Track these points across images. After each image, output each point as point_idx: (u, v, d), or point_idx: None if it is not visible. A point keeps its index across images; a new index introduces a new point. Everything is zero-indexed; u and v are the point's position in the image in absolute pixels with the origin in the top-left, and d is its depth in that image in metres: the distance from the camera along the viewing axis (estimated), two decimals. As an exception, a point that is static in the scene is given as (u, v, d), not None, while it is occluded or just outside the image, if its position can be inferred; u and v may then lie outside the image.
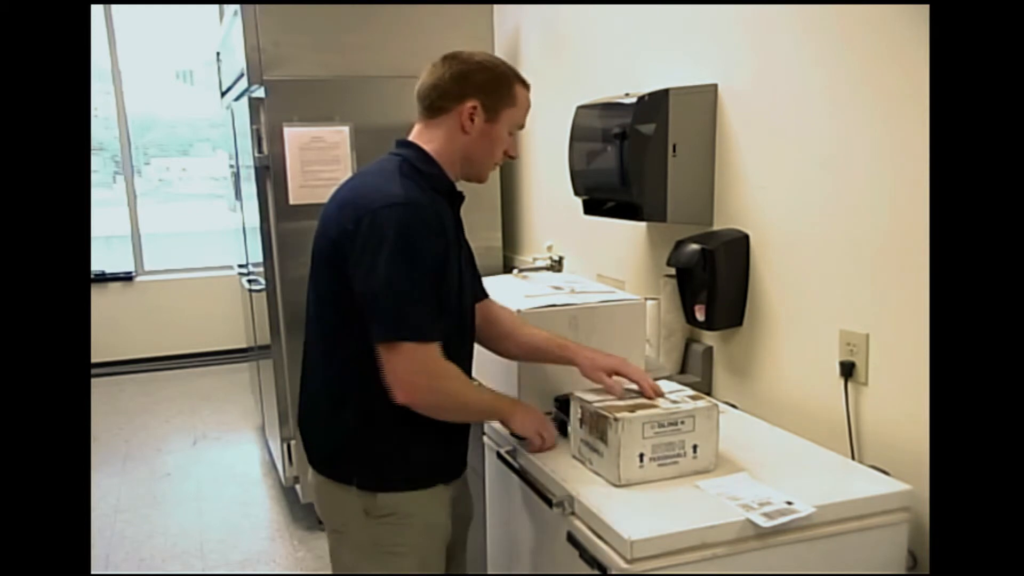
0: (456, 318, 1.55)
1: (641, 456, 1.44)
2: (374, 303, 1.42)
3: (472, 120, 1.51)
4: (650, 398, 1.52)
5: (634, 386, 1.56)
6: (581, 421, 1.54)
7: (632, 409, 1.46)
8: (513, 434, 1.63)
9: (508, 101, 1.53)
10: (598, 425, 1.48)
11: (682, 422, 1.47)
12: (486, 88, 1.51)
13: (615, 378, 1.57)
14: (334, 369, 1.54)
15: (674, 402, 1.51)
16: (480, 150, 1.55)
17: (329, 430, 1.57)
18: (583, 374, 1.61)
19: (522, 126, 1.60)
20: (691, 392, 1.57)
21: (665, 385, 1.61)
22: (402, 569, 1.53)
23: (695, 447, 1.48)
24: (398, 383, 1.42)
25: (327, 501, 1.59)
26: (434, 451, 1.56)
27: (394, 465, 1.52)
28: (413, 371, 1.42)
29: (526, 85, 1.58)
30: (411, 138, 1.57)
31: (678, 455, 1.47)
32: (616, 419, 1.43)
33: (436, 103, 1.53)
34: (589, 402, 1.51)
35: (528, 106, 1.59)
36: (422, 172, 1.52)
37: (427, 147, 1.54)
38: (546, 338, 1.69)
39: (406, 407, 1.45)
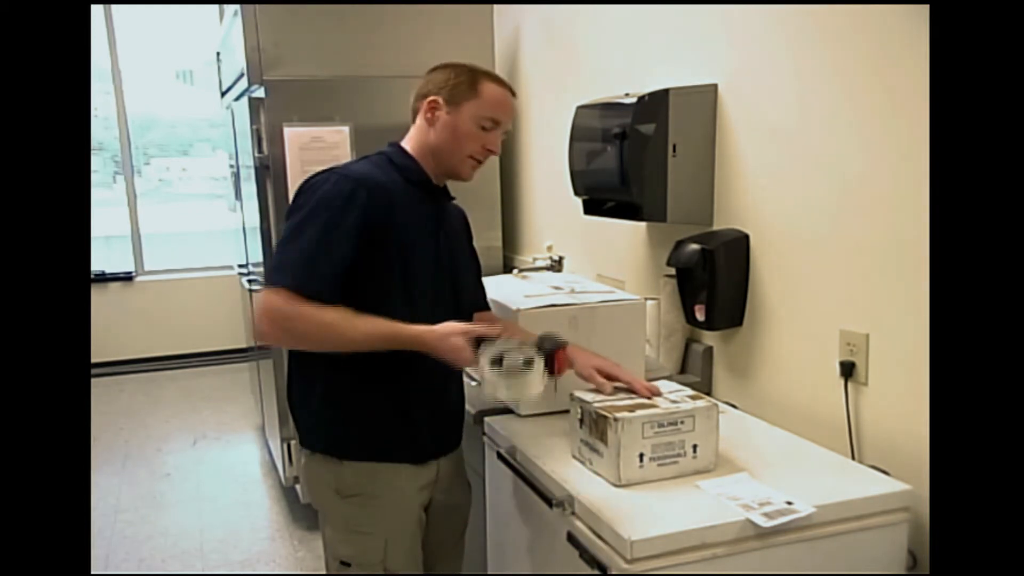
0: (411, 305, 1.55)
1: (641, 456, 1.44)
2: (277, 250, 1.53)
3: (433, 113, 1.61)
4: (646, 397, 1.53)
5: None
6: (581, 421, 1.54)
7: (632, 409, 1.46)
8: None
9: (470, 94, 1.60)
10: (598, 425, 1.48)
11: (682, 422, 1.47)
12: (447, 84, 1.61)
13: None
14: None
15: (674, 402, 1.51)
16: (446, 143, 1.61)
17: (301, 401, 1.66)
18: (577, 371, 1.61)
19: (498, 122, 1.63)
20: (691, 392, 1.57)
21: (665, 385, 1.61)
22: (368, 548, 1.60)
23: (695, 447, 1.48)
24: (257, 314, 1.49)
25: (308, 480, 1.68)
26: (391, 424, 1.60)
27: (353, 434, 1.59)
28: (269, 305, 1.46)
29: (500, 83, 1.64)
30: (403, 141, 1.68)
31: (678, 455, 1.47)
32: (616, 419, 1.43)
33: (413, 105, 1.66)
34: (588, 402, 1.52)
35: (501, 102, 1.62)
36: (395, 164, 1.62)
37: (406, 145, 1.66)
38: None
39: (367, 378, 1.55)
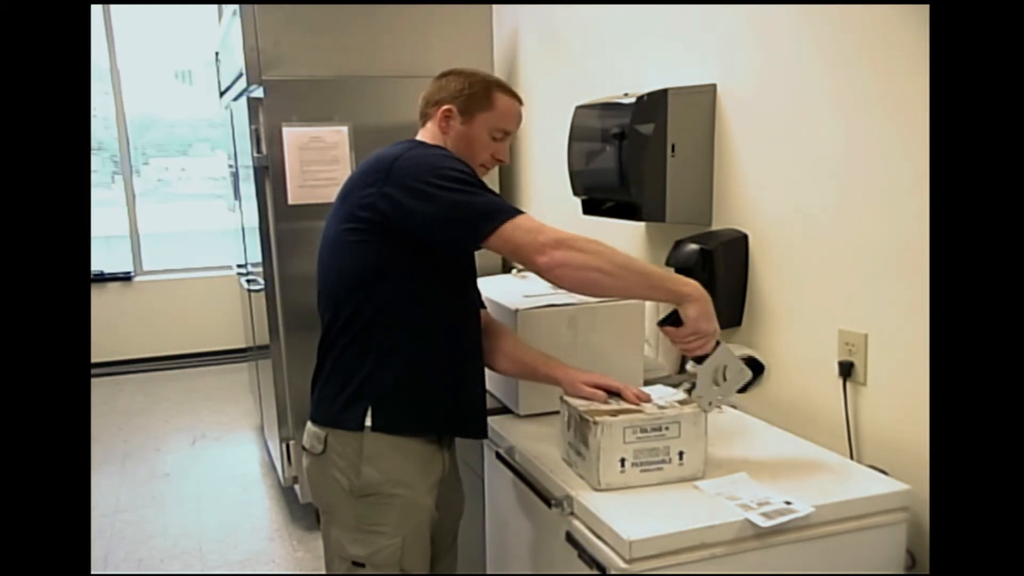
0: (464, 300, 1.65)
1: (623, 461, 1.43)
2: (460, 213, 1.48)
3: (448, 122, 1.64)
4: (634, 403, 1.51)
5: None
6: (568, 423, 1.54)
7: (615, 413, 1.45)
8: (672, 319, 1.49)
9: (483, 105, 1.64)
10: (581, 428, 1.48)
11: (666, 428, 1.44)
12: (461, 94, 1.64)
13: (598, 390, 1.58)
14: (366, 311, 1.59)
15: (661, 407, 1.48)
16: (459, 151, 1.63)
17: (341, 372, 1.63)
18: (565, 390, 1.61)
19: (508, 132, 1.68)
20: (682, 397, 1.55)
21: (658, 391, 1.59)
22: (384, 547, 1.58)
23: (681, 453, 1.46)
24: (534, 250, 1.44)
25: (315, 480, 1.65)
26: (435, 395, 1.62)
27: (396, 402, 1.58)
28: (544, 235, 1.44)
29: (512, 95, 1.68)
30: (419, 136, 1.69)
31: (662, 461, 1.45)
32: (596, 423, 1.42)
33: (423, 111, 1.69)
34: (574, 405, 1.51)
35: (512, 113, 1.67)
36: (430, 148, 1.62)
37: (426, 139, 1.67)
38: (536, 355, 1.71)
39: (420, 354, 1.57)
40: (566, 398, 1.56)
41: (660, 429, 1.44)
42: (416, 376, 1.59)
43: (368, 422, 1.56)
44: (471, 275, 1.70)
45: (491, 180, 3.18)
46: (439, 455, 1.67)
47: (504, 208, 1.48)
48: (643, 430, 1.43)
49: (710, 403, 1.52)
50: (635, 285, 1.48)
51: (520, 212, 1.48)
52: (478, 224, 1.47)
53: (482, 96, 1.64)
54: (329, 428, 1.60)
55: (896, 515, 1.43)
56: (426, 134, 1.68)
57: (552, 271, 1.44)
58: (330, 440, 1.60)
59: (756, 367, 1.60)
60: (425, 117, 1.69)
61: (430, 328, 1.58)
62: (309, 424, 1.65)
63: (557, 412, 1.60)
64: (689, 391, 1.53)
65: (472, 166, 1.62)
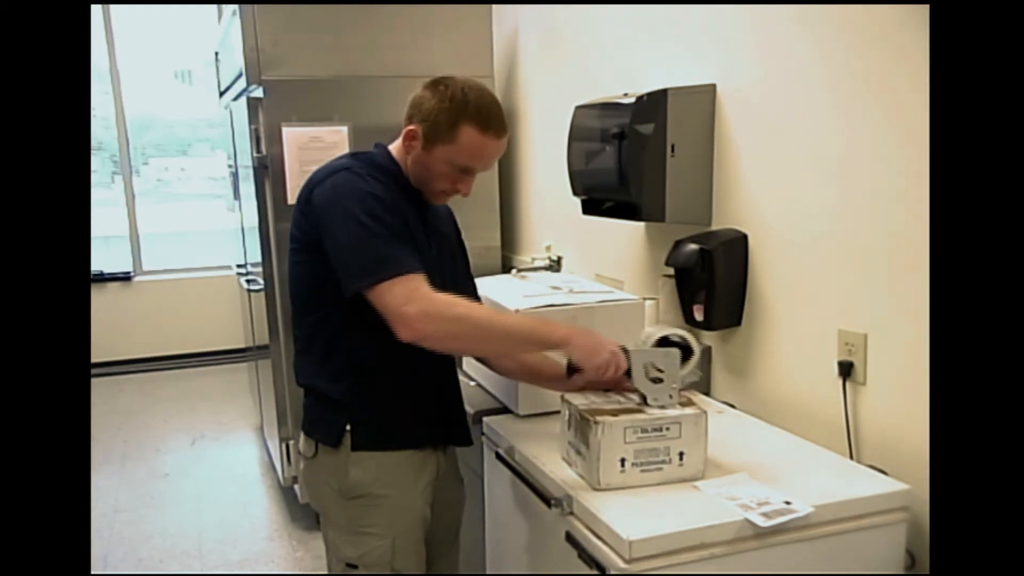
0: None
1: (623, 461, 1.43)
2: (345, 257, 1.47)
3: (410, 143, 1.57)
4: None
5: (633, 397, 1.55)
6: (568, 423, 1.55)
7: (616, 413, 1.45)
8: (571, 368, 1.54)
9: (445, 138, 1.53)
10: (581, 428, 1.48)
11: (667, 428, 1.44)
12: (428, 118, 1.54)
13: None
14: (322, 334, 1.61)
15: (662, 408, 1.49)
16: (418, 172, 1.59)
17: (315, 395, 1.65)
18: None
19: (472, 168, 1.57)
20: (683, 398, 1.53)
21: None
22: (375, 548, 1.59)
23: (681, 454, 1.45)
24: (397, 319, 1.42)
25: (310, 483, 1.67)
26: (402, 412, 1.61)
27: (371, 421, 1.58)
28: (415, 306, 1.41)
29: (487, 129, 1.53)
30: (388, 144, 1.65)
31: (662, 462, 1.45)
32: (597, 422, 1.42)
33: (404, 117, 1.60)
34: (575, 405, 1.51)
35: (477, 151, 1.54)
36: (380, 167, 1.59)
37: (393, 150, 1.63)
38: (540, 359, 1.70)
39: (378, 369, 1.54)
40: (567, 397, 1.56)
41: (661, 429, 1.44)
42: (386, 394, 1.59)
43: (348, 441, 1.58)
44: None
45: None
46: (432, 456, 1.68)
47: (386, 266, 1.43)
48: (644, 430, 1.43)
49: (669, 396, 1.50)
50: (503, 346, 1.53)
51: (403, 272, 1.43)
52: (355, 274, 1.45)
53: (447, 127, 1.52)
54: (316, 438, 1.63)
55: (896, 515, 1.43)
56: (396, 144, 1.64)
57: (416, 342, 1.44)
58: (320, 446, 1.62)
59: (679, 345, 1.57)
60: (403, 123, 1.62)
61: (388, 344, 1.47)
62: (302, 431, 1.67)
63: (557, 412, 1.60)
64: (644, 402, 1.50)
65: (430, 190, 1.61)
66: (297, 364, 1.67)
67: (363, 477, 1.58)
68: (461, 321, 1.46)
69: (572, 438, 1.53)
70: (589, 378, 1.51)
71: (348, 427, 1.57)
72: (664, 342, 1.55)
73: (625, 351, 1.51)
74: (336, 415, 1.58)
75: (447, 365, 1.70)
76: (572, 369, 1.55)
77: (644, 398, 1.50)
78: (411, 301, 1.41)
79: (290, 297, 1.65)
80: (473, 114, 1.52)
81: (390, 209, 1.49)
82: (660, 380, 1.50)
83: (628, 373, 1.52)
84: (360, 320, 1.50)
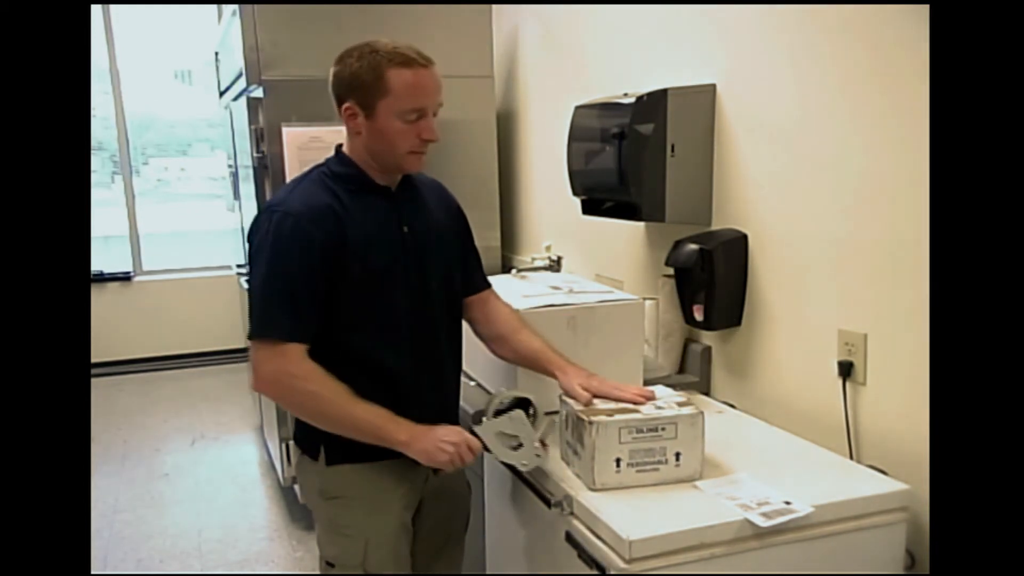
0: (369, 300, 1.54)
1: (618, 461, 1.43)
2: (249, 302, 1.54)
3: (354, 121, 1.52)
4: (639, 402, 1.50)
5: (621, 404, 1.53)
6: (565, 423, 1.55)
7: (611, 413, 1.45)
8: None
9: (379, 91, 1.46)
10: (577, 428, 1.48)
11: (663, 428, 1.43)
12: (351, 85, 1.48)
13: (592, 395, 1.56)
14: None
15: (658, 408, 1.48)
16: (378, 147, 1.53)
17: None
18: (561, 386, 1.60)
19: (421, 107, 1.49)
20: (681, 398, 1.54)
21: (658, 391, 1.57)
22: (349, 549, 1.60)
23: (678, 454, 1.45)
24: (256, 375, 1.51)
25: (301, 482, 1.73)
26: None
27: (342, 439, 1.55)
28: (269, 367, 1.49)
29: (409, 64, 1.46)
30: (343, 144, 1.61)
31: (659, 462, 1.44)
32: (592, 422, 1.42)
33: (335, 106, 1.55)
34: (571, 405, 1.52)
35: (415, 87, 1.47)
36: (338, 175, 1.56)
37: (348, 152, 1.59)
38: (538, 348, 1.69)
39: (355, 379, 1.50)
40: (565, 398, 1.56)
41: (656, 430, 1.43)
42: None
43: (323, 456, 1.60)
44: (387, 295, 1.57)
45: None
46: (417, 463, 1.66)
47: (267, 323, 1.49)
48: (639, 430, 1.43)
49: (537, 456, 1.52)
50: (342, 428, 1.52)
51: (278, 337, 1.47)
52: (249, 319, 1.53)
53: (374, 83, 1.46)
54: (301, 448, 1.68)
55: (895, 515, 1.43)
56: (347, 141, 1.58)
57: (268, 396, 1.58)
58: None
59: (520, 403, 1.55)
60: (340, 116, 1.55)
61: (361, 371, 1.52)
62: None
63: (555, 412, 1.60)
64: (513, 469, 1.53)
65: (399, 157, 1.53)
66: None
67: (340, 480, 1.60)
68: (305, 395, 1.50)
69: (569, 438, 1.53)
70: (444, 468, 1.51)
71: (321, 445, 1.59)
72: (510, 405, 1.54)
73: (473, 432, 1.52)
74: (311, 432, 1.58)
75: (435, 385, 1.66)
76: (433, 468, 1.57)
77: (511, 466, 1.54)
78: (266, 362, 1.49)
79: None
80: (389, 57, 1.46)
81: (303, 258, 1.48)
82: (520, 444, 1.52)
83: (487, 449, 1.53)
84: (333, 347, 1.52)
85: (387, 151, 1.53)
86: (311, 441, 1.62)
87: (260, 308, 1.51)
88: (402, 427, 1.50)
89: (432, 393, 1.64)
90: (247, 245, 1.57)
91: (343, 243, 1.50)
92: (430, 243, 1.62)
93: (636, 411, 1.47)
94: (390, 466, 1.59)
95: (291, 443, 3.03)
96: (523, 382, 1.80)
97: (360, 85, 1.47)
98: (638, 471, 1.44)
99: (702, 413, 1.47)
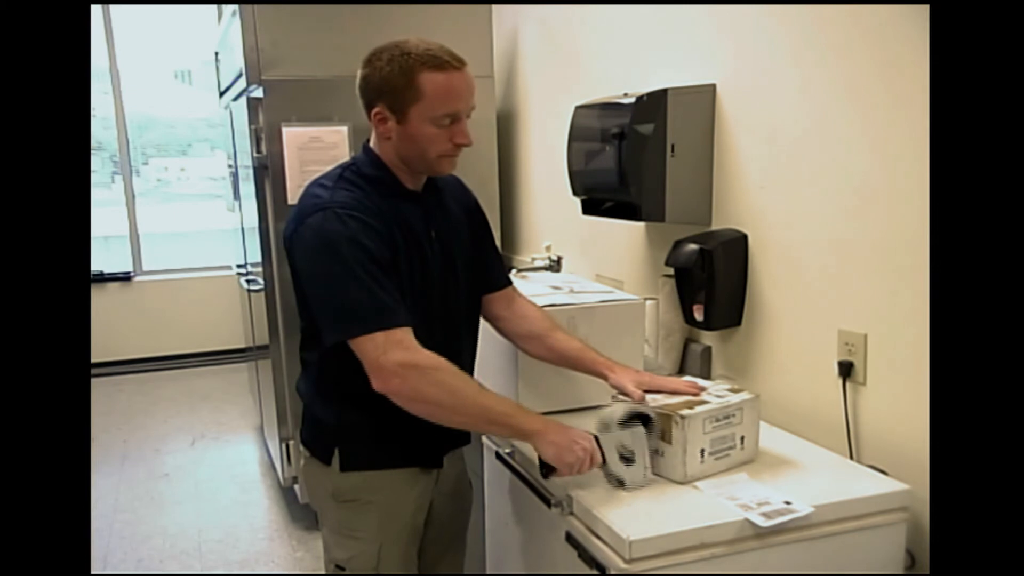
0: (416, 319, 1.47)
1: (702, 451, 1.47)
2: (324, 308, 1.43)
3: (384, 126, 1.47)
4: (696, 394, 1.53)
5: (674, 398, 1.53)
6: (622, 424, 1.49)
7: (691, 406, 1.47)
8: (545, 467, 1.44)
9: (411, 96, 1.42)
10: (660, 426, 1.47)
11: (733, 415, 1.50)
12: (383, 90, 1.44)
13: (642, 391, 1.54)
14: (313, 356, 1.59)
15: (719, 396, 1.52)
16: (409, 151, 1.49)
17: (310, 413, 1.63)
18: (613, 385, 1.58)
19: (454, 111, 1.45)
20: (727, 384, 1.59)
21: (701, 382, 1.61)
22: (362, 553, 1.57)
23: (743, 438, 1.52)
24: (380, 372, 1.38)
25: (307, 482, 1.67)
26: (395, 433, 1.54)
27: (360, 445, 1.55)
28: (392, 359, 1.37)
29: (443, 67, 1.42)
30: (371, 140, 1.56)
31: (730, 448, 1.51)
32: (683, 417, 1.44)
33: (363, 108, 1.51)
34: (647, 404, 1.50)
35: (449, 91, 1.43)
36: (368, 176, 1.51)
37: (376, 150, 1.54)
38: (579, 347, 1.67)
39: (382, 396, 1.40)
40: (621, 398, 1.54)
41: (729, 417, 1.50)
42: (375, 424, 1.53)
43: (337, 461, 1.56)
44: (420, 302, 1.52)
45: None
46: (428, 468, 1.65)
47: (366, 316, 1.38)
48: (716, 419, 1.48)
49: (644, 476, 1.45)
50: (474, 420, 1.45)
51: (384, 325, 1.37)
52: (334, 323, 1.41)
53: (405, 87, 1.41)
54: (311, 450, 1.63)
55: (896, 515, 1.43)
56: (375, 136, 1.53)
57: (387, 395, 1.39)
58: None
59: (642, 419, 1.48)
60: (368, 118, 1.51)
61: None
62: (300, 435, 1.68)
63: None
64: (622, 485, 1.45)
65: (431, 161, 1.49)
66: (299, 378, 1.67)
67: (354, 483, 1.57)
68: (439, 386, 1.39)
69: (628, 442, 1.47)
70: (564, 474, 1.41)
71: (336, 449, 1.56)
72: (629, 419, 1.47)
73: (596, 439, 1.44)
74: (327, 437, 1.57)
75: None
76: (547, 469, 1.44)
77: (621, 482, 1.44)
78: (388, 351, 1.37)
79: (300, 317, 1.60)
80: (422, 60, 1.41)
81: (372, 249, 1.41)
82: (632, 460, 1.45)
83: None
84: (352, 355, 1.43)
85: (419, 156, 1.49)
86: (322, 444, 1.59)
87: (354, 301, 1.38)
88: (532, 417, 1.44)
89: None
90: (292, 250, 1.47)
91: (391, 245, 1.46)
92: (455, 246, 1.60)
93: (706, 401, 1.49)
94: (401, 471, 1.58)
95: (291, 443, 3.06)
96: (524, 383, 1.80)
97: (391, 89, 1.43)
98: (716, 459, 1.49)
99: (758, 396, 1.55)
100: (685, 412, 1.45)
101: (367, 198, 1.47)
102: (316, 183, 1.52)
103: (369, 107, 1.48)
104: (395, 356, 1.37)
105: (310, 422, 1.64)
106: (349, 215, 1.42)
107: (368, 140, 1.57)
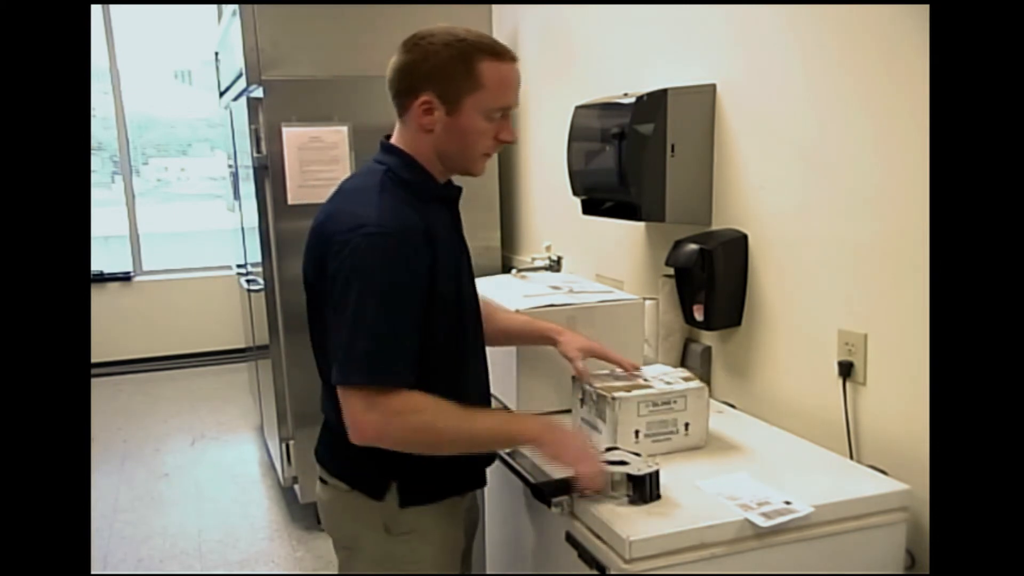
0: (456, 320, 1.41)
1: (636, 432, 1.55)
2: (338, 341, 1.28)
3: (429, 116, 1.33)
4: (627, 371, 1.64)
5: (617, 369, 1.66)
6: (582, 401, 1.64)
7: (628, 390, 1.56)
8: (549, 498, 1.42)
9: (469, 85, 1.31)
10: (599, 405, 1.58)
11: (674, 401, 1.58)
12: (435, 76, 1.31)
13: (586, 362, 1.62)
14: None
15: (667, 383, 1.60)
16: (453, 147, 1.36)
17: (346, 441, 1.35)
18: (560, 351, 1.64)
19: (509, 105, 1.36)
20: (685, 373, 1.66)
21: (658, 368, 1.70)
22: None
23: (687, 425, 1.59)
24: (358, 427, 1.28)
25: (341, 515, 1.48)
26: (462, 461, 1.46)
27: (424, 477, 1.42)
28: (372, 416, 1.27)
29: (502, 56, 1.33)
30: (393, 139, 1.42)
31: (671, 432, 1.59)
32: (614, 398, 1.53)
33: (396, 100, 1.38)
34: (592, 385, 1.61)
35: (510, 83, 1.35)
36: (407, 182, 1.37)
37: (408, 149, 1.39)
38: (524, 320, 1.70)
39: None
40: (583, 383, 1.63)
41: (669, 403, 1.57)
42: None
43: (395, 497, 1.40)
44: (464, 317, 1.43)
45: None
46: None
47: (374, 370, 1.25)
48: (654, 404, 1.56)
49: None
50: (467, 449, 1.39)
51: (387, 385, 1.26)
52: (338, 365, 1.27)
53: (465, 74, 1.30)
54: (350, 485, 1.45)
55: (896, 515, 1.43)
56: (406, 136, 1.38)
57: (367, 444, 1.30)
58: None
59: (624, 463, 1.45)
60: (400, 108, 1.37)
61: (445, 392, 1.32)
62: (323, 467, 1.49)
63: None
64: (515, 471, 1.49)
65: (473, 158, 1.39)
66: (327, 398, 1.43)
67: (414, 516, 1.42)
68: (421, 431, 1.30)
69: (587, 415, 1.63)
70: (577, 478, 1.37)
71: (394, 484, 1.39)
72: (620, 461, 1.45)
73: (609, 451, 1.45)
74: (378, 469, 1.38)
75: (481, 399, 1.54)
76: (556, 489, 1.41)
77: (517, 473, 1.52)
78: (372, 409, 1.26)
79: (316, 335, 1.42)
80: (482, 47, 1.32)
81: (406, 283, 1.28)
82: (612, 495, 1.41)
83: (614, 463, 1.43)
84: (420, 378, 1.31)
85: (461, 152, 1.37)
86: (370, 477, 1.40)
87: (368, 348, 1.26)
88: (527, 422, 1.39)
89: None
90: (313, 264, 1.34)
91: (434, 265, 1.32)
92: (467, 250, 1.51)
93: (649, 386, 1.58)
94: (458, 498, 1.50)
95: (291, 443, 3.06)
96: (523, 383, 1.80)
97: (446, 76, 1.30)
98: (654, 441, 1.57)
99: (706, 386, 1.61)
100: (620, 395, 1.54)
101: (412, 210, 1.33)
102: (358, 188, 1.37)
103: (411, 95, 1.33)
104: (377, 411, 1.27)
105: (345, 452, 1.37)
106: (394, 243, 1.28)
107: (388, 137, 1.43)
